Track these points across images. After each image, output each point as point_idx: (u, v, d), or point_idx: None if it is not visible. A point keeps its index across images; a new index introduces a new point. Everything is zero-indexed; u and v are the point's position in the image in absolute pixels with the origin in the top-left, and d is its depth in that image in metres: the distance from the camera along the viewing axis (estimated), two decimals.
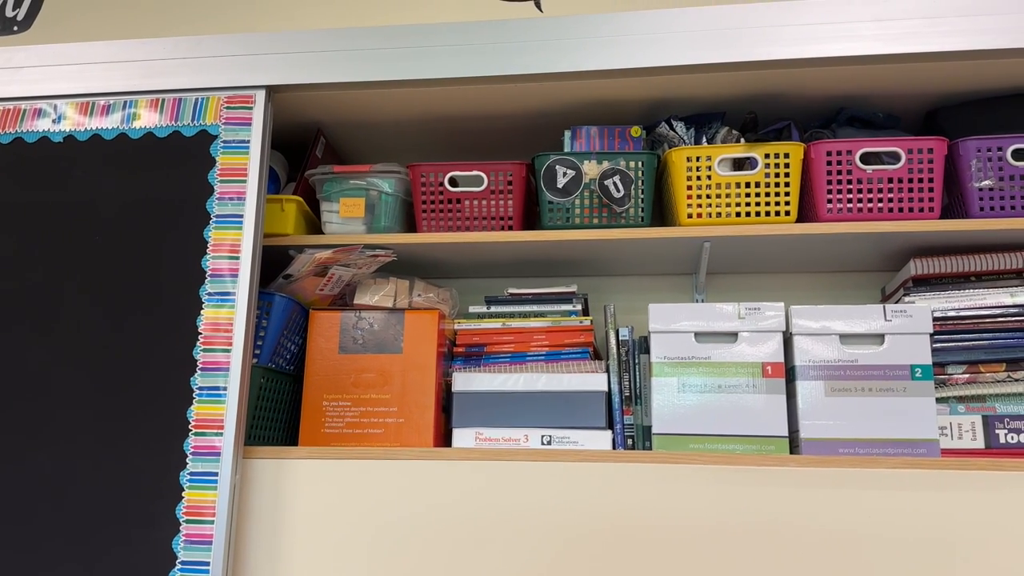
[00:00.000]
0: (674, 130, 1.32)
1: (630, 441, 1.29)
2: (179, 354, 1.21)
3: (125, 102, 1.32)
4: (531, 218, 1.44)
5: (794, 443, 1.20)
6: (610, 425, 1.29)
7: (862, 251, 1.37)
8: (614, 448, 1.28)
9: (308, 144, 1.49)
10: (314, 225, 1.44)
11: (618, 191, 1.30)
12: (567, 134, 1.37)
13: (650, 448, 1.20)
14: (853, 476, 1.12)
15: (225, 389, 1.19)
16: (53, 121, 1.32)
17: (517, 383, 1.30)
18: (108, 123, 1.31)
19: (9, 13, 1.46)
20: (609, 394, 1.30)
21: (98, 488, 1.17)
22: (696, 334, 1.23)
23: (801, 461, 1.13)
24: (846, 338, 1.21)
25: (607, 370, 1.31)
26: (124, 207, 1.27)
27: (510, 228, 1.36)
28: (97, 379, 1.21)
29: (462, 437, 1.28)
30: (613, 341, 1.34)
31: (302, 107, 1.40)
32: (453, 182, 1.37)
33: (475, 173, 1.36)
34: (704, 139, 1.32)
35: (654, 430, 1.21)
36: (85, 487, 1.18)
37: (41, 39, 1.44)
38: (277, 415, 1.33)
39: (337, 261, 1.30)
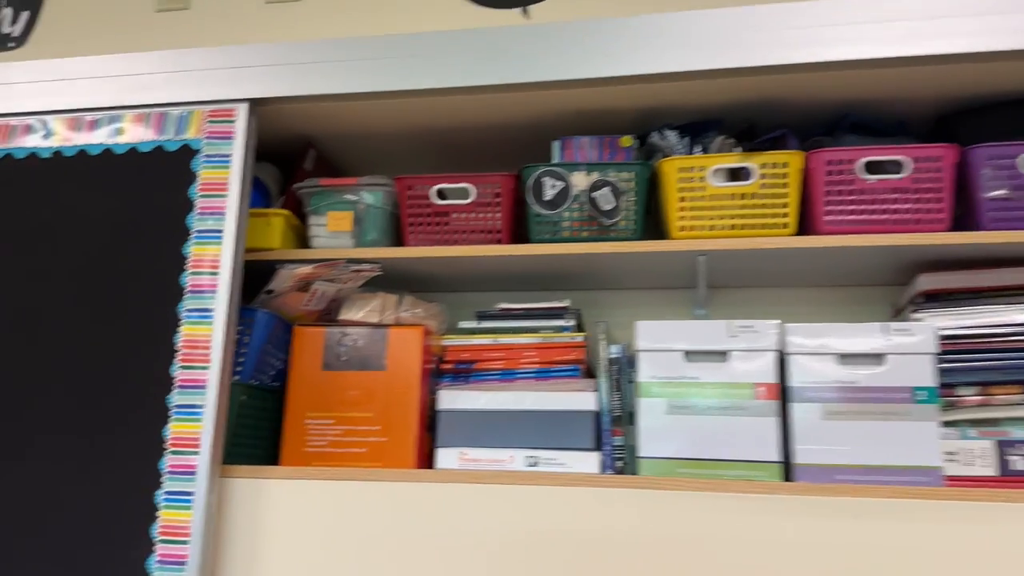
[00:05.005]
0: (667, 139, 1.27)
1: (620, 464, 1.25)
2: (156, 372, 1.20)
3: (112, 117, 1.31)
4: (521, 231, 1.40)
5: (788, 469, 1.14)
6: (598, 446, 1.24)
7: (868, 265, 1.30)
8: (602, 471, 1.23)
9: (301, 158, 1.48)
10: (303, 239, 1.42)
11: (608, 203, 1.25)
12: (555, 144, 1.33)
13: (638, 472, 1.15)
14: (850, 505, 1.05)
15: (202, 407, 1.17)
16: (43, 136, 1.32)
17: (504, 401, 1.26)
18: (94, 138, 1.31)
19: (5, 29, 1.47)
20: (599, 414, 1.26)
21: (72, 507, 1.16)
22: (686, 352, 1.18)
23: (795, 488, 1.07)
24: (845, 358, 1.15)
25: (597, 388, 1.27)
26: (106, 223, 1.27)
27: (498, 242, 1.32)
28: (72, 397, 1.21)
29: (446, 457, 1.25)
30: (604, 358, 1.29)
31: (290, 120, 1.38)
32: (441, 195, 1.34)
33: (462, 185, 1.32)
34: (699, 148, 1.27)
35: (640, 453, 1.16)
36: (58, 506, 1.17)
37: (37, 55, 1.45)
38: (261, 432, 1.31)
39: (319, 276, 1.28)
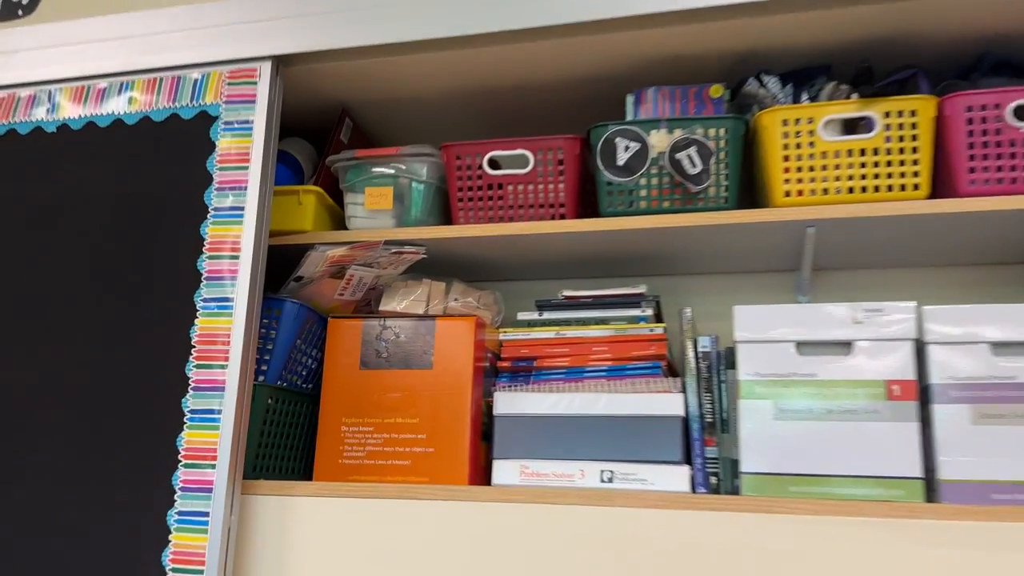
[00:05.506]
0: (766, 87, 1.05)
1: (715, 480, 1.03)
2: (168, 371, 1.03)
3: (122, 84, 1.16)
4: (588, 205, 1.20)
5: (931, 486, 0.91)
6: (688, 459, 1.03)
7: (1018, 236, 1.06)
8: (693, 489, 1.02)
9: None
10: (338, 220, 1.25)
11: (694, 166, 1.04)
12: (629, 99, 1.12)
13: (739, 491, 0.94)
14: (1011, 533, 0.82)
15: (220, 413, 1.01)
16: (47, 111, 1.18)
17: (572, 405, 1.06)
18: (103, 109, 1.16)
19: None
20: (687, 420, 1.05)
21: (71, 530, 1.01)
22: (798, 344, 0.96)
23: (941, 511, 0.85)
24: (1000, 348, 0.91)
25: (683, 389, 1.06)
26: (116, 202, 1.11)
27: (562, 217, 1.12)
28: (72, 399, 1.05)
29: (504, 471, 1.05)
30: (691, 353, 1.08)
31: (321, 84, 1.21)
32: (494, 164, 1.15)
33: (519, 152, 1.13)
34: (807, 97, 1.05)
35: (743, 468, 0.94)
36: (56, 528, 1.01)
37: (46, 23, 1.32)
38: (290, 442, 1.14)
39: (354, 260, 1.10)
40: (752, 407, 0.96)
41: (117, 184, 1.12)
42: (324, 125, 1.34)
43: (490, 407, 1.14)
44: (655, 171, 1.07)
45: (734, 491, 1.02)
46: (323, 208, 1.21)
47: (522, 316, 1.18)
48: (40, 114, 1.18)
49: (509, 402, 1.08)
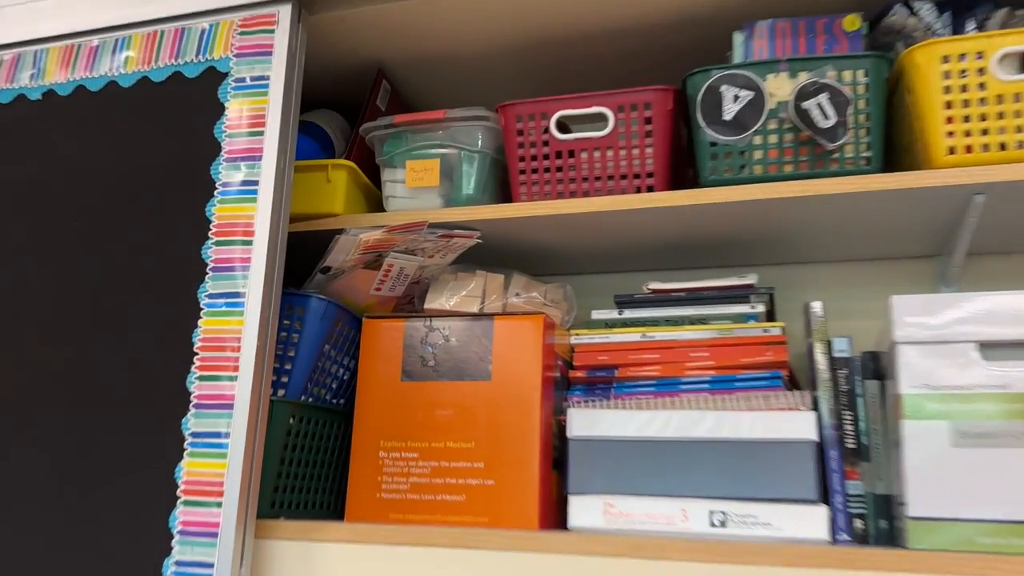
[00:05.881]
0: (917, 15, 0.82)
1: (859, 524, 0.79)
2: (165, 384, 0.83)
3: (116, 41, 0.97)
4: (681, 175, 0.98)
5: None
6: (825, 497, 0.80)
7: None
8: (833, 537, 0.78)
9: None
10: (375, 202, 1.04)
11: (827, 118, 0.81)
12: (738, 37, 0.89)
13: (902, 541, 0.70)
14: None
15: (229, 436, 0.80)
16: (31, 75, 1.00)
17: (668, 426, 0.84)
18: (95, 70, 0.97)
19: None
20: (821, 445, 0.81)
21: None
22: (981, 345, 0.72)
23: None
24: None
25: (815, 406, 0.82)
26: (107, 178, 0.92)
27: (650, 189, 0.90)
28: (52, 420, 0.86)
29: (584, 510, 0.83)
30: (822, 360, 0.84)
31: (352, 38, 1.01)
32: (563, 127, 0.93)
33: (595, 110, 0.91)
34: (970, 27, 0.81)
35: (910, 512, 0.70)
36: None
37: None
38: (319, 471, 0.93)
39: (393, 245, 0.89)
40: (921, 430, 0.72)
41: (110, 157, 0.93)
42: (358, 94, 1.14)
43: (562, 428, 0.92)
44: (773, 126, 0.84)
45: (888, 539, 0.78)
46: (356, 187, 1.01)
47: (598, 315, 0.96)
48: (23, 79, 1.00)
49: (587, 421, 0.86)
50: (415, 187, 0.98)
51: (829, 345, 0.85)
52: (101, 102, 0.95)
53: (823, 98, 0.82)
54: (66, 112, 0.96)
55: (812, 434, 0.80)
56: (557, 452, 0.90)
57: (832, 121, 0.81)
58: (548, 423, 0.88)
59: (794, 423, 0.80)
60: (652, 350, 0.92)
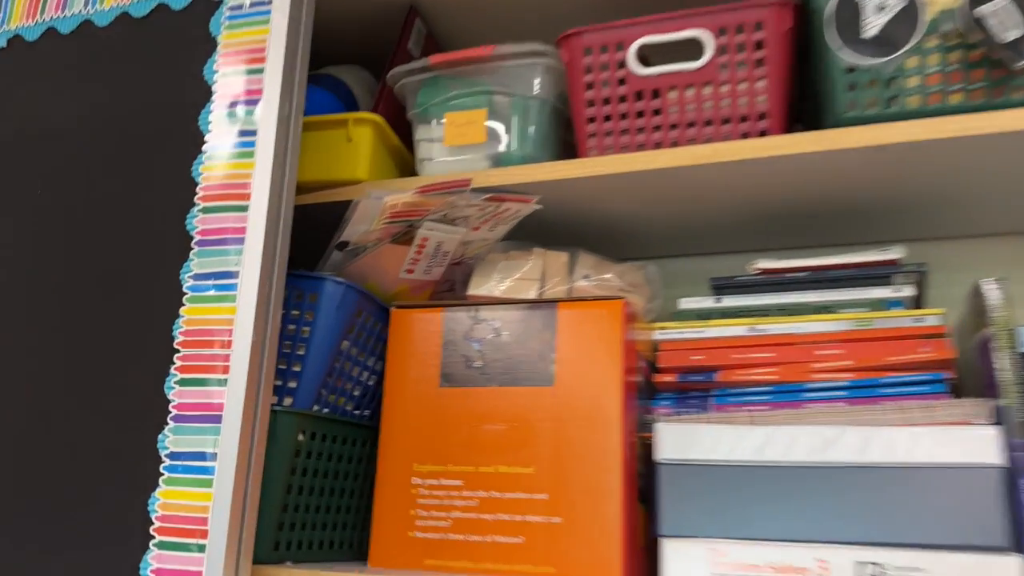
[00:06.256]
0: None
1: None
2: (136, 388, 0.65)
3: None
4: (801, 114, 0.76)
5: None
6: (1018, 543, 0.58)
7: None
8: None
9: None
10: (406, 167, 0.85)
11: (1013, 26, 0.60)
12: None
13: None
14: None
15: (215, 456, 0.61)
16: None
17: (794, 446, 0.63)
18: (67, 9, 0.80)
19: None
20: (1012, 472, 0.59)
21: None
22: None
23: None
24: None
25: (998, 419, 0.60)
26: (80, 136, 0.75)
27: (762, 134, 0.69)
28: (4, 437, 0.68)
29: (682, 560, 0.62)
30: (1006, 357, 0.62)
31: None
32: (644, 59, 0.73)
33: (688, 35, 0.71)
34: None
35: None
36: None
37: None
38: (336, 501, 0.74)
39: (428, 212, 0.69)
40: None
41: (81, 110, 0.75)
42: (387, 43, 0.95)
43: (647, 448, 0.71)
44: (934, 43, 0.63)
45: None
46: (384, 148, 0.82)
47: (688, 303, 0.75)
48: None
49: (681, 440, 0.65)
50: (456, 145, 0.78)
51: (1013, 337, 0.63)
52: (73, 46, 0.78)
53: (1006, 3, 0.60)
54: (34, 60, 0.79)
55: (997, 456, 0.58)
56: (642, 480, 0.69)
57: (1019, 32, 0.60)
58: (631, 442, 0.67)
59: (971, 442, 0.59)
60: (765, 347, 0.71)
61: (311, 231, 0.82)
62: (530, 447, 0.66)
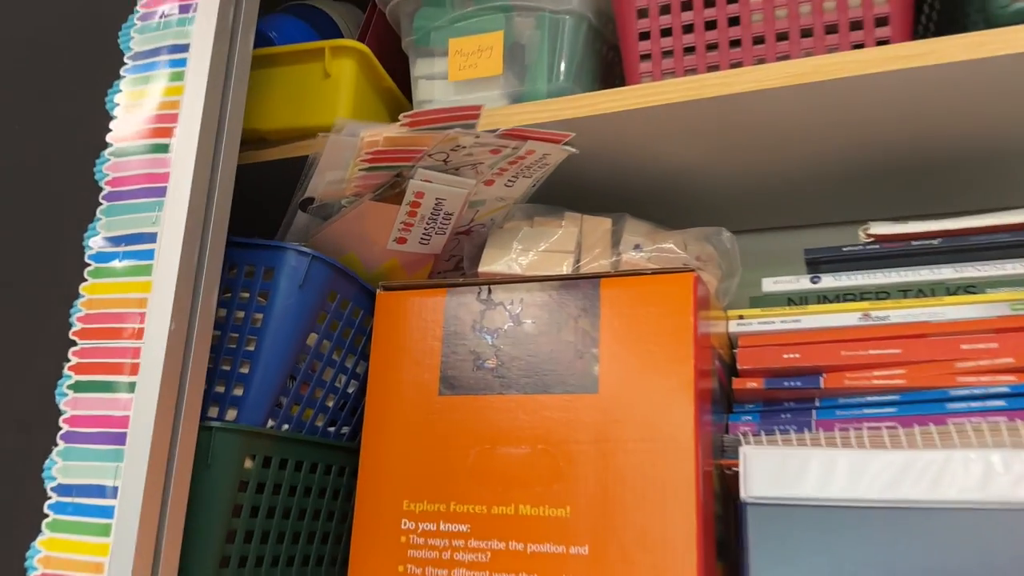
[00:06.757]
0: None
1: None
2: (23, 397, 0.48)
3: None
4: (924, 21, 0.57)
5: None
6: None
7: None
8: None
9: None
10: (401, 111, 0.67)
11: None
12: None
13: None
14: None
15: (115, 491, 0.43)
16: None
17: (941, 481, 0.43)
18: None
19: None
20: None
21: None
22: None
23: None
24: None
25: None
26: None
27: (881, 42, 0.50)
28: None
29: None
30: None
31: None
32: None
33: None
34: None
35: None
36: None
37: None
38: (301, 551, 0.55)
39: (421, 154, 0.51)
40: None
41: None
42: None
43: (727, 481, 0.51)
44: None
45: None
46: (372, 88, 0.64)
47: (773, 285, 0.56)
48: None
49: (780, 471, 0.46)
50: (464, 80, 0.60)
51: None
52: None
53: None
54: None
55: None
56: (720, 527, 0.50)
57: None
58: (708, 473, 0.47)
59: None
60: (886, 340, 0.51)
61: (279, 195, 0.64)
62: (564, 480, 0.47)
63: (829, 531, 0.45)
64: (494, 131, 0.50)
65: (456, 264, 0.62)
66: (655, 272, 0.49)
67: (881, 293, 0.54)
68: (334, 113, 0.61)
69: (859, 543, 0.44)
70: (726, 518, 0.51)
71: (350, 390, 0.58)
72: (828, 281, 0.56)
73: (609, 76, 0.62)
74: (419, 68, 0.63)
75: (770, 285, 0.57)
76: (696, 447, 0.46)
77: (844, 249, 0.56)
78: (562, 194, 0.65)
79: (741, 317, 0.55)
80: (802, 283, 0.56)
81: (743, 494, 0.46)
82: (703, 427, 0.47)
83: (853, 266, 0.55)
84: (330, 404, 0.56)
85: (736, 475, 0.51)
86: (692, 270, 0.48)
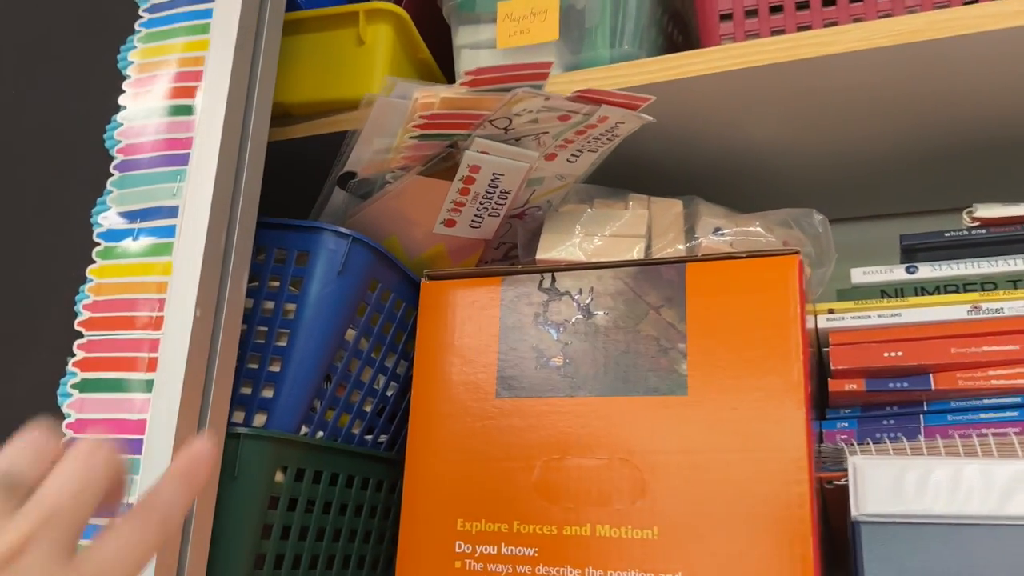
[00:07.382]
0: None
1: None
2: (25, 400, 0.41)
3: None
4: None
5: None
6: None
7: None
8: None
9: None
10: (434, 82, 0.60)
11: None
12: None
13: None
14: None
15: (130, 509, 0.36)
16: None
17: None
18: None
19: None
20: None
21: None
22: None
23: None
24: None
25: None
26: None
27: None
28: None
29: None
30: None
31: None
32: None
33: None
34: None
35: None
36: None
37: None
38: (339, 573, 0.48)
39: (480, 121, 0.44)
40: None
41: None
42: None
43: (832, 497, 0.45)
44: None
45: None
46: (408, 60, 0.57)
47: (864, 276, 0.51)
48: None
49: (896, 485, 0.40)
50: (514, 48, 0.54)
51: None
52: None
53: None
54: None
55: None
56: (825, 547, 0.43)
57: None
58: (815, 489, 0.41)
59: None
60: (1003, 336, 0.45)
61: (307, 175, 0.57)
62: (650, 496, 0.41)
63: (959, 552, 0.39)
64: (553, 98, 0.44)
65: (506, 252, 0.55)
66: (752, 255, 0.42)
67: (987, 283, 0.48)
68: (368, 85, 0.54)
69: (995, 566, 0.38)
70: (831, 539, 0.45)
71: (389, 393, 0.51)
72: (926, 271, 0.50)
73: (672, 50, 0.56)
74: (462, 36, 0.57)
75: (860, 276, 0.51)
76: (809, 459, 0.39)
77: (946, 235, 0.50)
78: (616, 176, 0.59)
79: (831, 311, 0.49)
80: (897, 273, 0.50)
81: (854, 512, 0.40)
82: (810, 438, 0.41)
83: (955, 254, 0.50)
84: (368, 409, 0.50)
85: (836, 489, 0.45)
86: (796, 252, 0.42)
